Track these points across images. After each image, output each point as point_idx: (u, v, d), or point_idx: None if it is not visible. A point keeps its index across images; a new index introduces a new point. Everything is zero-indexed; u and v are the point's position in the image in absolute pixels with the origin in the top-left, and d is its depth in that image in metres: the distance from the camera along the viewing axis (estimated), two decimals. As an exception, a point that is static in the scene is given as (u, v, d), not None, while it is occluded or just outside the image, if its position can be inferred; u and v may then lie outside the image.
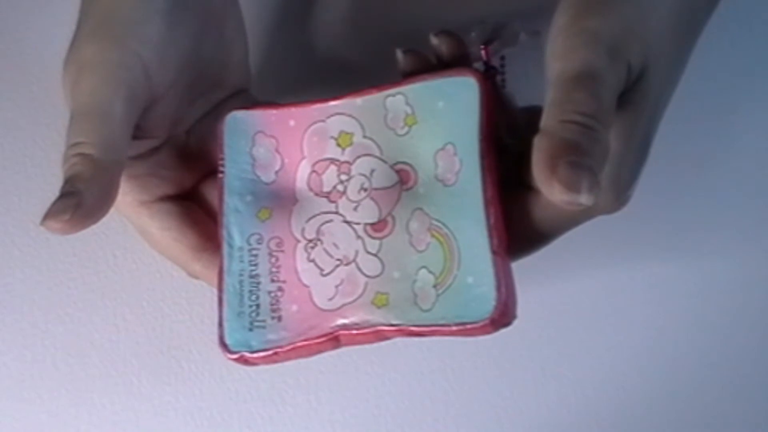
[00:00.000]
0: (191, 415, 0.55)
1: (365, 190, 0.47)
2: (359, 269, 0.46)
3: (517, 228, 0.45)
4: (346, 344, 0.46)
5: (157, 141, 0.48)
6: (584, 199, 0.39)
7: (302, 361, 0.52)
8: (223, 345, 0.47)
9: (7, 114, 0.58)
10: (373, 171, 0.47)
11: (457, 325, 0.43)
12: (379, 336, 0.45)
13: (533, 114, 0.43)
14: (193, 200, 0.50)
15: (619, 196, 0.44)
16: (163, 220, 0.48)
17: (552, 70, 0.43)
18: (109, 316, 0.55)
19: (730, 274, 0.57)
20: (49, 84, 0.57)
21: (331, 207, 0.47)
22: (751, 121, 0.58)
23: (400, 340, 0.54)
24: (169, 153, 0.48)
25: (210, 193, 0.49)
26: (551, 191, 0.40)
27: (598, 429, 0.55)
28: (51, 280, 0.56)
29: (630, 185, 0.45)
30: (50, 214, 0.42)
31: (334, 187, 0.47)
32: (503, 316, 0.43)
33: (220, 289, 0.47)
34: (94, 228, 0.55)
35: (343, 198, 0.47)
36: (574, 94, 0.41)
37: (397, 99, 0.47)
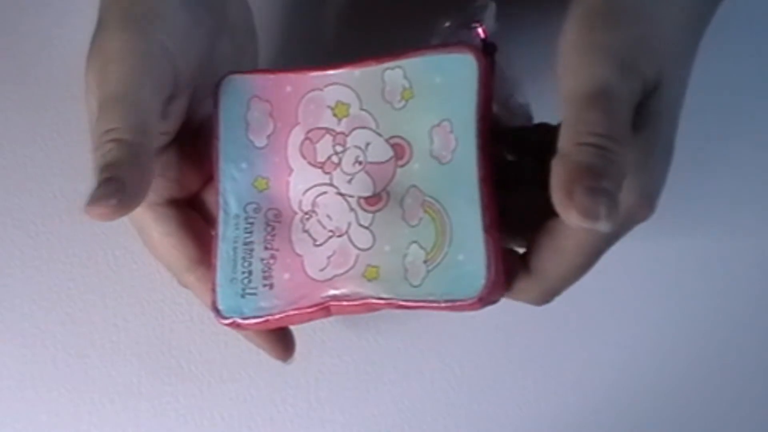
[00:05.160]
0: (191, 415, 0.55)
1: (360, 163, 0.47)
2: (351, 241, 0.46)
3: (561, 255, 0.44)
4: (336, 314, 0.46)
5: (167, 137, 0.48)
6: (602, 225, 0.39)
7: (302, 361, 0.52)
8: (216, 310, 0.47)
9: (7, 114, 0.58)
10: (368, 144, 0.47)
11: (445, 301, 0.43)
12: (369, 308, 0.45)
13: (545, 132, 0.43)
14: (194, 207, 0.50)
15: (652, 205, 0.44)
16: (165, 224, 0.48)
17: (564, 88, 0.42)
18: (109, 316, 0.55)
19: (729, 272, 0.57)
20: (49, 84, 0.57)
21: (326, 178, 0.47)
22: (752, 119, 0.59)
23: (400, 339, 0.55)
24: (177, 154, 0.49)
25: (210, 199, 0.50)
26: (569, 218, 0.39)
27: (599, 428, 0.55)
28: (51, 280, 0.56)
29: (660, 193, 0.44)
30: (95, 200, 0.42)
31: (329, 157, 0.47)
32: (491, 294, 0.43)
33: (214, 255, 0.47)
34: (94, 228, 0.56)
35: (338, 170, 0.47)
36: (587, 114, 0.40)
37: (395, 72, 0.46)
